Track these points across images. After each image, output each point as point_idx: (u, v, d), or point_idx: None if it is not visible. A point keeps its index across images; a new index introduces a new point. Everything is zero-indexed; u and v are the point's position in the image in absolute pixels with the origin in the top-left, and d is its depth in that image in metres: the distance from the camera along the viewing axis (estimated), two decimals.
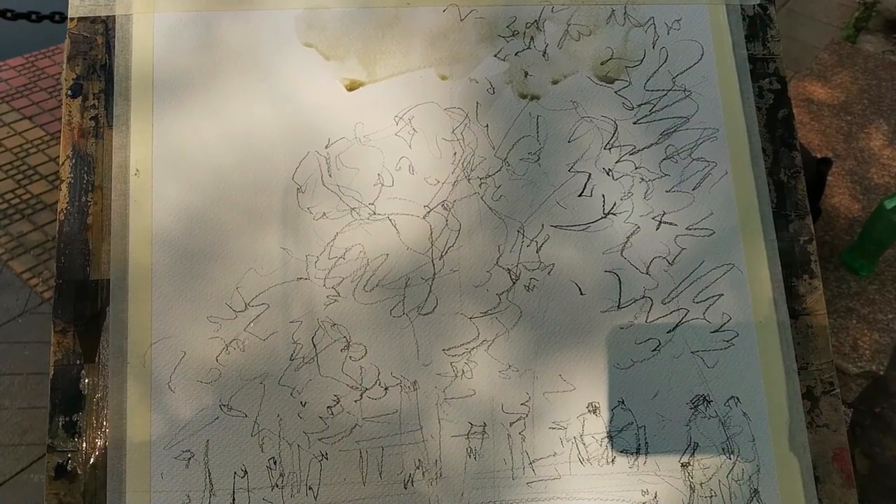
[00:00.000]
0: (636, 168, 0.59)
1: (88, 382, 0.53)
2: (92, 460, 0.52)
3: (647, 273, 0.58)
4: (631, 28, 0.61)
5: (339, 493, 0.53)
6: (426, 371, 0.55)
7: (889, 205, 1.61)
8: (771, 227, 0.60)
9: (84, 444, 0.52)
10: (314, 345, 0.54)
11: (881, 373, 1.60)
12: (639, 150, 0.59)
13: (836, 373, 0.60)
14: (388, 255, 0.56)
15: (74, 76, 0.56)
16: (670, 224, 0.59)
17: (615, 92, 0.60)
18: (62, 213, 0.55)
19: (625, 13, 0.61)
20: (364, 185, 0.57)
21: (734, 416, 0.57)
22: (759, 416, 0.57)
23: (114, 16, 0.57)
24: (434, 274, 0.56)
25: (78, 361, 0.53)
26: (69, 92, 0.56)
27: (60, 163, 0.55)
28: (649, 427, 0.56)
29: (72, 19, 0.57)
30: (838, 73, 2.38)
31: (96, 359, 0.53)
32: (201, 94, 0.57)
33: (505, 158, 0.58)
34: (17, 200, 2.00)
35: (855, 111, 2.23)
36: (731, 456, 0.57)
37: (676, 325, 0.58)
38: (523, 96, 0.59)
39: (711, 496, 0.56)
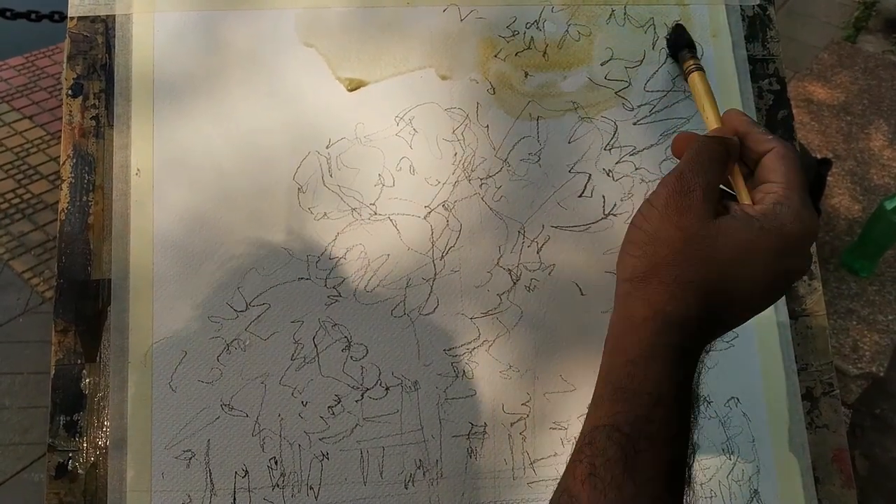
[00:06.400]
0: (636, 169, 0.59)
1: (89, 382, 0.53)
2: (93, 460, 0.52)
3: None
4: (631, 28, 0.61)
5: (340, 493, 0.53)
6: (427, 371, 0.55)
7: (889, 205, 1.61)
8: None
9: (85, 444, 0.52)
10: (315, 345, 0.55)
11: (881, 374, 1.60)
12: (639, 151, 0.59)
13: (836, 374, 0.60)
14: (388, 255, 0.56)
15: (75, 76, 0.56)
16: None
17: (615, 93, 0.60)
18: (63, 213, 0.55)
19: (625, 13, 0.61)
20: (365, 186, 0.57)
21: (734, 416, 0.57)
22: (758, 416, 0.57)
23: (114, 15, 0.57)
24: (435, 274, 0.56)
25: (79, 361, 0.53)
26: (70, 92, 0.56)
27: (61, 162, 0.55)
28: None
29: (71, 18, 0.57)
30: (838, 73, 2.38)
31: (97, 358, 0.53)
32: (202, 94, 0.57)
33: (505, 159, 0.58)
34: (17, 200, 2.00)
35: (855, 111, 2.23)
36: (731, 456, 0.57)
37: None
38: (523, 96, 0.59)
39: (711, 496, 0.56)
